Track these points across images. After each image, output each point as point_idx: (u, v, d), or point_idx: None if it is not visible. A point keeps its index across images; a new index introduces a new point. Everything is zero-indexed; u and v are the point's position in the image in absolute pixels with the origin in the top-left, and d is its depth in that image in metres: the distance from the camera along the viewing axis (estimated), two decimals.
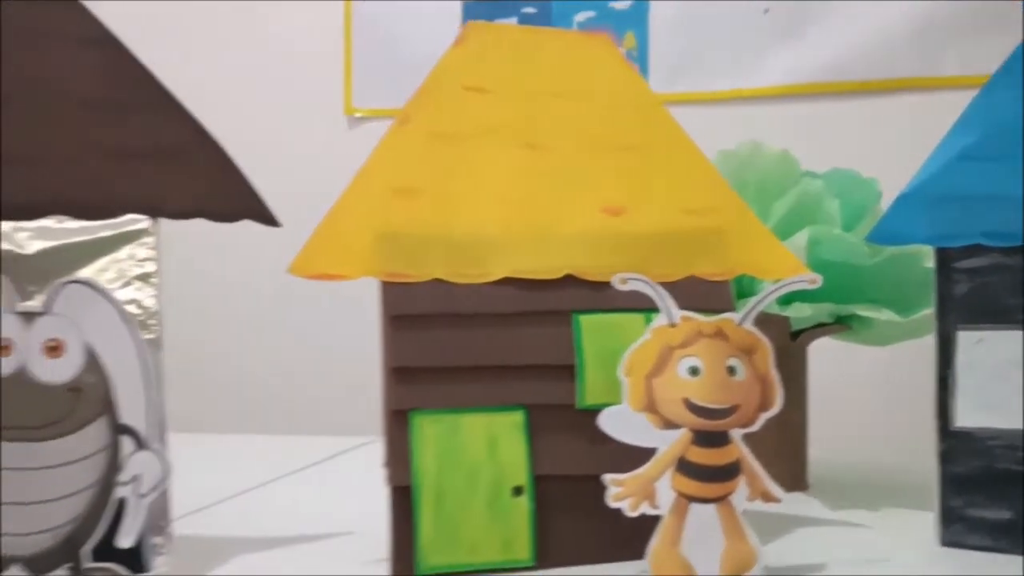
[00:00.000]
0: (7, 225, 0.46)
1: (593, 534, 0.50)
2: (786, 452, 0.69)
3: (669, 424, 0.47)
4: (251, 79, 1.63)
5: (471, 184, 0.52)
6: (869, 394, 1.16)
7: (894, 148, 0.94)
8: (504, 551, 0.49)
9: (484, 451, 0.50)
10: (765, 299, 0.49)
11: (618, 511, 0.46)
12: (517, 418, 0.51)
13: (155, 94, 0.50)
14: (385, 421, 0.50)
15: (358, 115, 1.70)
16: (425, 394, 0.49)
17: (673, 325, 0.48)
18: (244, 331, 1.48)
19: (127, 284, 0.48)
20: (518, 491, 0.50)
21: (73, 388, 0.41)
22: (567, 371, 0.51)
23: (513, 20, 1.66)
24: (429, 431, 0.49)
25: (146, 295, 0.48)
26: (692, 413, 0.47)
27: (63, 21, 0.47)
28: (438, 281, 0.50)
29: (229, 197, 0.51)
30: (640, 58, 1.62)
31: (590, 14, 1.64)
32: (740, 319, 0.49)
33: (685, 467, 0.47)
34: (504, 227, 0.52)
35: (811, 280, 0.50)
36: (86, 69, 0.47)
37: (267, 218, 0.52)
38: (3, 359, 0.40)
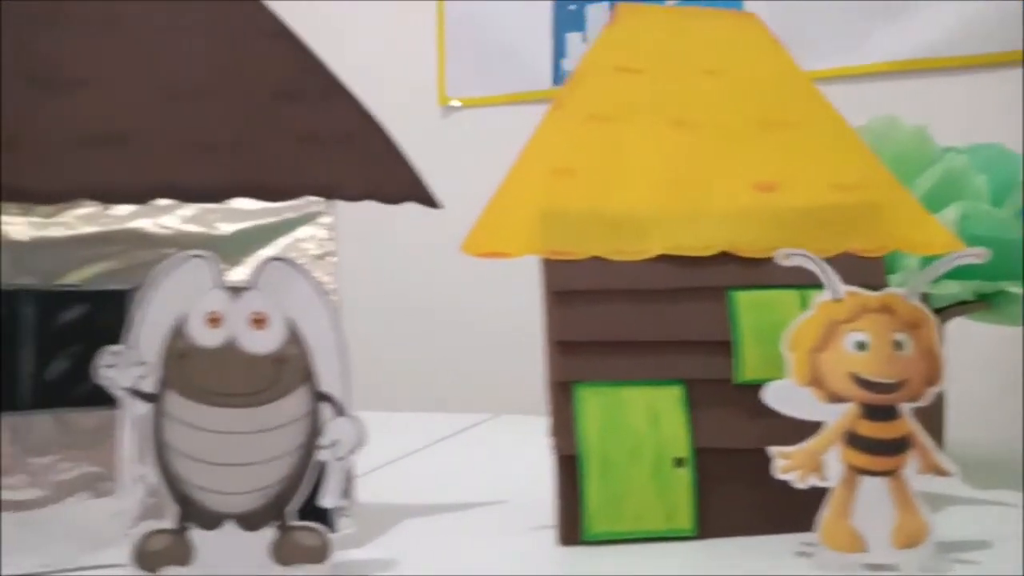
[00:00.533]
0: (198, 208, 0.49)
1: (754, 506, 0.51)
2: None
3: (835, 398, 0.47)
4: (347, 71, 1.67)
5: (627, 163, 0.53)
6: (988, 376, 1.13)
7: (997, 124, 0.91)
8: (667, 520, 0.51)
9: (646, 423, 0.51)
10: (934, 273, 0.48)
11: (781, 483, 0.47)
12: (676, 392, 0.52)
13: (330, 82, 0.52)
14: (548, 393, 0.52)
15: (452, 104, 1.72)
16: (587, 367, 0.51)
17: (838, 300, 0.49)
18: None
19: (306, 263, 0.51)
20: (679, 463, 0.51)
21: (277, 359, 0.44)
22: (723, 346, 0.52)
23: (605, 4, 1.66)
24: (592, 403, 0.51)
25: (324, 273, 0.51)
26: (860, 387, 0.47)
27: (251, 16, 0.50)
28: (597, 258, 0.52)
29: (396, 181, 0.53)
30: None
31: None
32: (906, 293, 0.49)
33: (854, 440, 0.47)
34: (659, 205, 0.53)
35: (977, 255, 0.49)
36: (274, 60, 0.50)
37: (429, 200, 0.55)
38: (214, 331, 0.43)
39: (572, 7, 1.67)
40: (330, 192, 0.51)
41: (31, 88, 0.46)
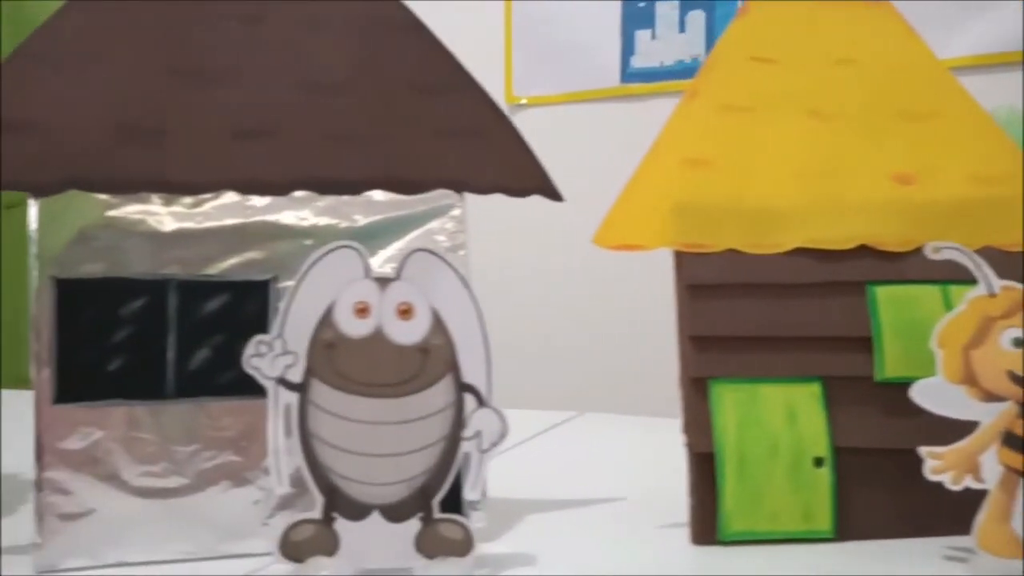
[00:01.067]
0: (335, 200, 0.49)
1: (895, 508, 0.49)
2: None
3: (991, 397, 0.46)
4: None
5: (761, 154, 0.52)
6: None
7: None
8: (805, 521, 0.49)
9: (783, 421, 0.49)
10: None
11: (925, 484, 0.45)
12: (814, 389, 0.50)
13: (460, 75, 0.52)
14: (683, 388, 0.50)
15: (520, 102, 1.72)
16: (723, 363, 0.50)
17: (993, 295, 0.47)
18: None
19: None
20: (819, 462, 0.49)
21: (423, 348, 0.44)
22: (863, 343, 0.50)
23: (675, 1, 1.64)
24: (728, 399, 0.50)
25: (456, 262, 0.50)
26: (1018, 385, 0.45)
27: (386, 10, 0.50)
28: (732, 251, 0.51)
29: (523, 174, 0.53)
30: None
31: None
32: None
33: (1012, 440, 0.45)
34: (796, 197, 0.51)
35: None
36: (408, 54, 0.50)
37: (554, 194, 0.54)
38: (363, 321, 0.43)
39: (641, 4, 1.65)
40: (461, 185, 0.51)
41: (177, 80, 0.46)
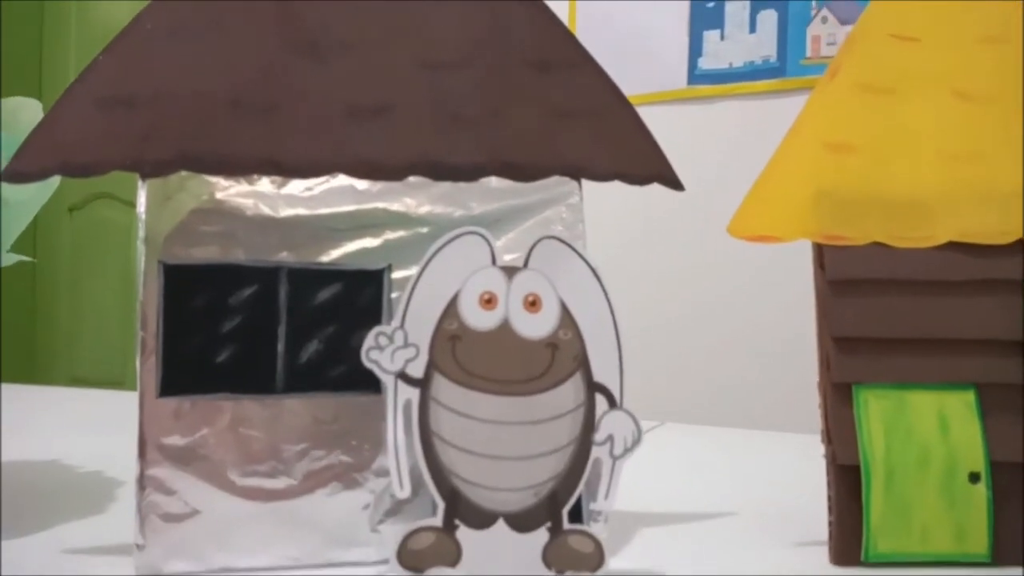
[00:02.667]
0: (450, 186, 0.46)
1: None
2: None
3: None
4: None
5: (907, 138, 0.48)
6: None
7: None
8: (957, 542, 0.45)
9: (935, 432, 0.45)
10: None
11: None
12: (968, 397, 0.46)
13: (579, 53, 0.49)
14: (824, 395, 0.47)
15: None
16: (869, 367, 0.46)
17: None
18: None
19: None
20: (975, 478, 0.45)
21: (551, 343, 0.41)
22: (1021, 348, 0.46)
23: (745, 0, 1.60)
24: (875, 407, 0.45)
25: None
26: None
27: None
28: (877, 244, 0.47)
29: (643, 160, 0.49)
30: None
31: None
32: None
33: None
34: (944, 185, 0.47)
35: None
36: (526, 29, 0.47)
37: (674, 182, 0.50)
38: (489, 312, 0.40)
39: (710, 4, 1.61)
40: (579, 172, 0.48)
41: (291, 55, 0.44)
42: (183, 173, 0.43)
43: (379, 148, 0.44)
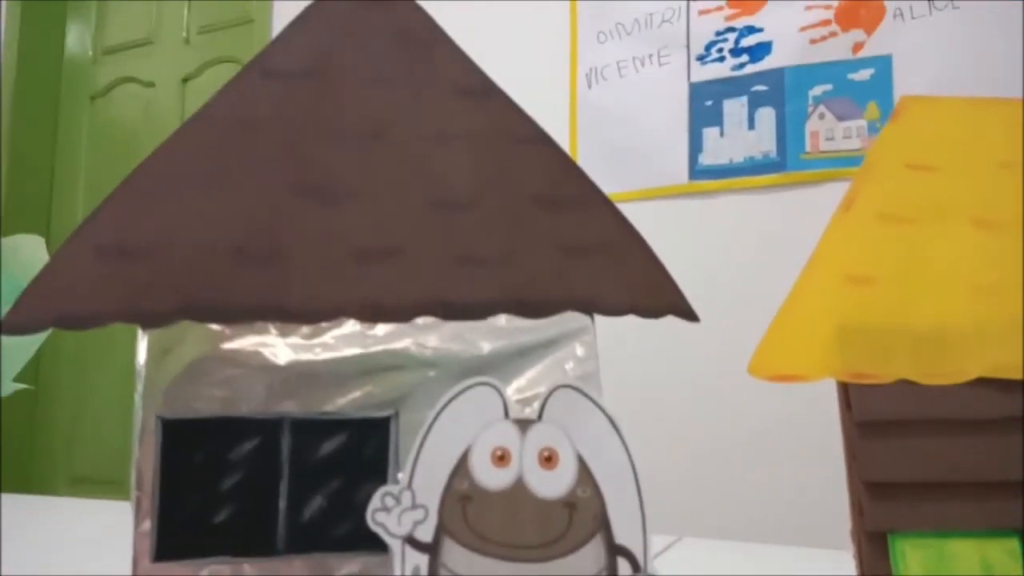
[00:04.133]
0: (459, 326, 0.45)
1: None
2: None
3: None
4: None
5: (930, 269, 0.47)
6: None
7: None
8: None
9: None
10: None
11: None
12: (1012, 545, 0.43)
13: (588, 188, 0.48)
14: (858, 543, 0.44)
15: None
16: (905, 513, 0.43)
17: None
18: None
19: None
20: None
21: (568, 503, 0.38)
22: None
23: (743, 99, 1.63)
24: (913, 557, 0.43)
25: (590, 392, 0.45)
26: None
27: (511, 122, 0.47)
28: (906, 381, 0.45)
29: (656, 292, 0.48)
30: None
31: (827, 87, 1.58)
32: None
33: None
34: (973, 318, 0.46)
35: None
36: (535, 167, 0.47)
37: (689, 313, 0.49)
38: (502, 470, 0.38)
39: (709, 102, 1.65)
40: (591, 306, 0.46)
41: (298, 200, 0.43)
42: (184, 323, 0.41)
43: (386, 290, 0.43)
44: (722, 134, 1.65)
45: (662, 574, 0.38)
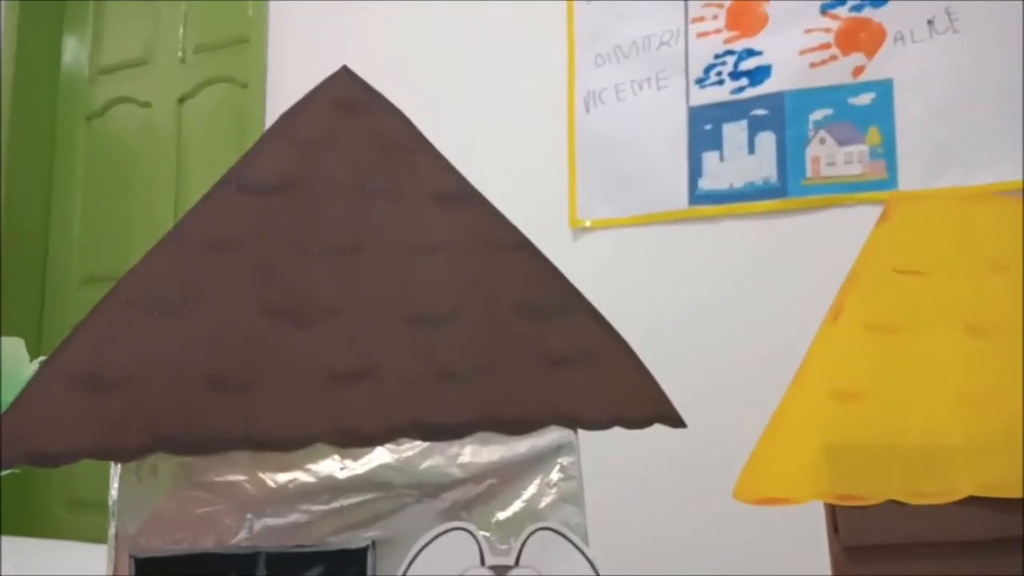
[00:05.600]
0: (437, 444, 0.44)
1: None
2: None
3: None
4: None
5: (919, 379, 0.45)
6: None
7: None
8: None
9: None
10: None
11: None
12: None
13: (570, 294, 0.47)
14: None
15: (584, 226, 1.69)
16: None
17: None
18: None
19: (554, 504, 0.45)
20: None
21: None
22: None
23: (743, 123, 1.61)
24: None
25: (572, 514, 0.45)
26: None
27: (491, 231, 0.46)
28: (894, 502, 0.44)
29: (641, 401, 0.47)
30: (887, 154, 1.52)
31: (827, 111, 1.56)
32: None
33: None
34: (964, 429, 0.45)
35: None
36: (516, 276, 0.46)
37: (675, 420, 0.48)
38: None
39: (708, 126, 1.63)
40: (575, 421, 0.46)
41: (272, 323, 0.43)
42: (158, 455, 0.41)
43: (361, 414, 0.42)
44: (722, 159, 1.63)
45: None
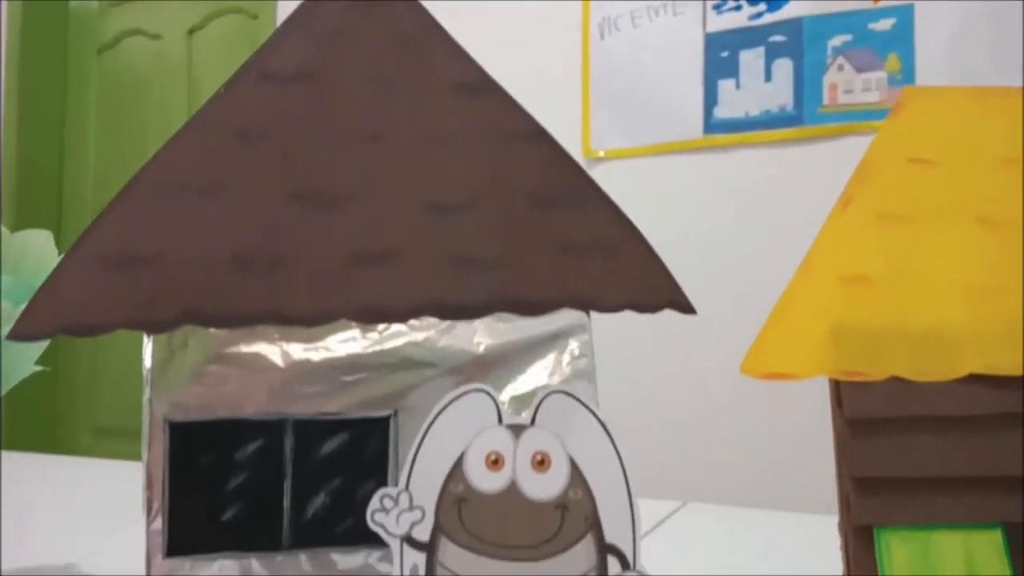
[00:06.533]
0: (456, 324, 0.46)
1: None
2: None
3: None
4: None
5: (928, 268, 0.46)
6: None
7: None
8: None
9: (962, 574, 0.44)
10: None
11: None
12: (995, 537, 0.44)
13: (585, 184, 0.48)
14: (844, 536, 0.45)
15: (598, 156, 1.69)
16: (892, 508, 0.44)
17: None
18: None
19: (567, 381, 0.47)
20: None
21: (560, 505, 0.40)
22: None
23: (760, 50, 1.59)
24: (898, 551, 0.44)
25: (584, 389, 0.46)
26: None
27: (509, 120, 0.47)
28: (898, 379, 0.45)
29: (653, 288, 0.49)
30: (906, 82, 1.50)
31: (846, 37, 1.53)
32: None
33: None
34: (966, 316, 0.46)
35: None
36: (532, 165, 0.47)
37: (686, 307, 0.50)
38: (496, 474, 0.40)
39: (724, 54, 1.61)
40: (588, 304, 0.47)
41: (296, 206, 0.44)
42: (188, 328, 0.42)
43: (383, 293, 0.44)
44: (738, 86, 1.61)
45: (650, 574, 0.39)
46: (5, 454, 1.18)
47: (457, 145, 0.46)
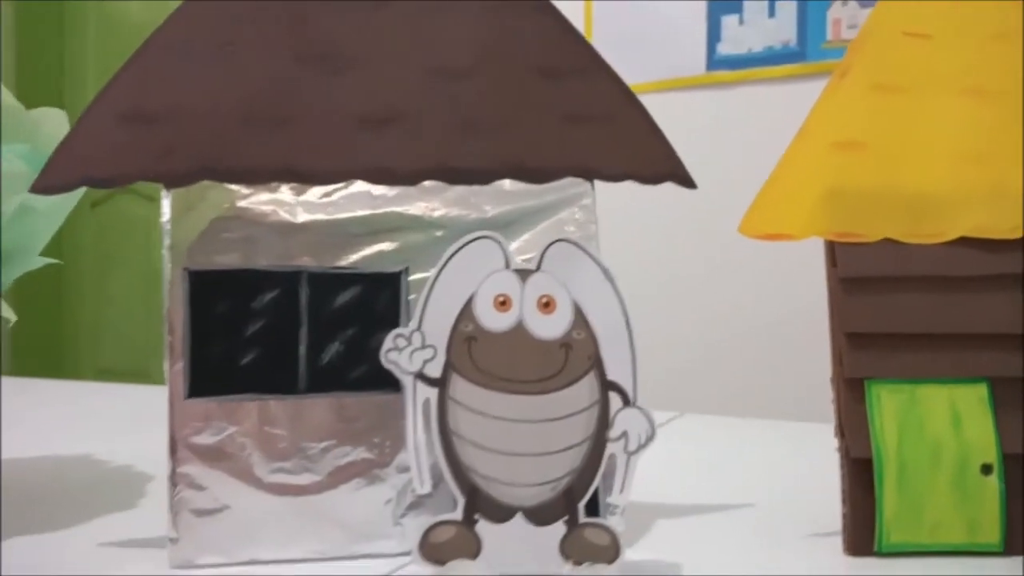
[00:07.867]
0: (464, 190, 0.47)
1: None
2: None
3: None
4: None
5: (919, 136, 0.48)
6: None
7: None
8: (969, 533, 0.45)
9: (947, 426, 0.46)
10: None
11: None
12: (981, 391, 0.46)
13: (590, 57, 0.49)
14: (837, 390, 0.47)
15: None
16: (881, 362, 0.46)
17: None
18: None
19: None
20: (987, 470, 0.45)
21: (565, 344, 0.42)
22: None
23: None
24: (887, 402, 0.46)
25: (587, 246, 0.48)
26: None
27: None
28: (889, 241, 0.47)
29: (655, 160, 0.50)
30: None
31: None
32: None
33: None
34: (956, 182, 0.47)
35: None
36: (537, 36, 0.48)
37: (687, 180, 0.51)
38: (503, 314, 0.41)
39: None
40: (591, 173, 0.48)
41: (303, 68, 0.45)
42: (204, 183, 0.44)
43: (394, 155, 0.45)
44: (741, 22, 1.61)
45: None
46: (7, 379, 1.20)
47: (460, 13, 0.47)
